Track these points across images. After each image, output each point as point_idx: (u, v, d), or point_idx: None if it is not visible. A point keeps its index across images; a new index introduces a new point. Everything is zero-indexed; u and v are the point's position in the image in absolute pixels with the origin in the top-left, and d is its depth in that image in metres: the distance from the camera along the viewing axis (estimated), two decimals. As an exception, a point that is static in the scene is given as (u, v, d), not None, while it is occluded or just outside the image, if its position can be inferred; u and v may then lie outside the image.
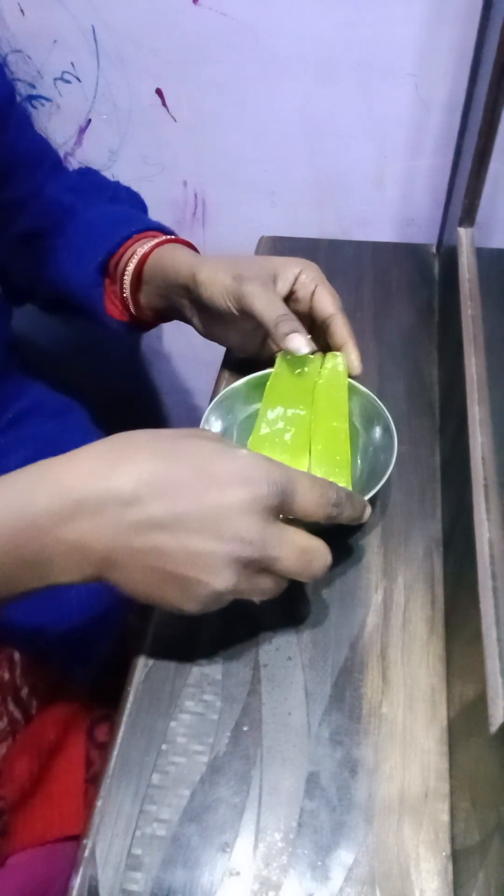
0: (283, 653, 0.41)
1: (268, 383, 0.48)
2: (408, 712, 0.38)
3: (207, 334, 0.56)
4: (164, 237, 0.58)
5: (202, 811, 0.35)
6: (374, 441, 0.47)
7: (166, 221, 0.77)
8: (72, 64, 0.67)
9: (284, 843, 0.34)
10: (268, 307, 0.47)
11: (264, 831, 0.34)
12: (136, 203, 0.72)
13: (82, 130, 0.72)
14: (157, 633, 0.42)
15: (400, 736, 0.37)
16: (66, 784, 0.49)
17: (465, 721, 0.34)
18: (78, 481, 0.32)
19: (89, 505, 0.32)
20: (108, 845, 0.34)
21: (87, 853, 0.34)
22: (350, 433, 0.47)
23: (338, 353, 0.49)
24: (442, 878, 0.33)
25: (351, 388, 0.48)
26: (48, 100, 0.70)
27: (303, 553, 0.35)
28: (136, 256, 0.56)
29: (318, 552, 0.35)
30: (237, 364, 0.57)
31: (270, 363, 0.50)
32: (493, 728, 0.29)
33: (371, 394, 0.48)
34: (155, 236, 0.58)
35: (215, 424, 0.48)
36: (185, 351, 0.92)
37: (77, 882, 0.33)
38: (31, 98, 0.71)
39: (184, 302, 0.55)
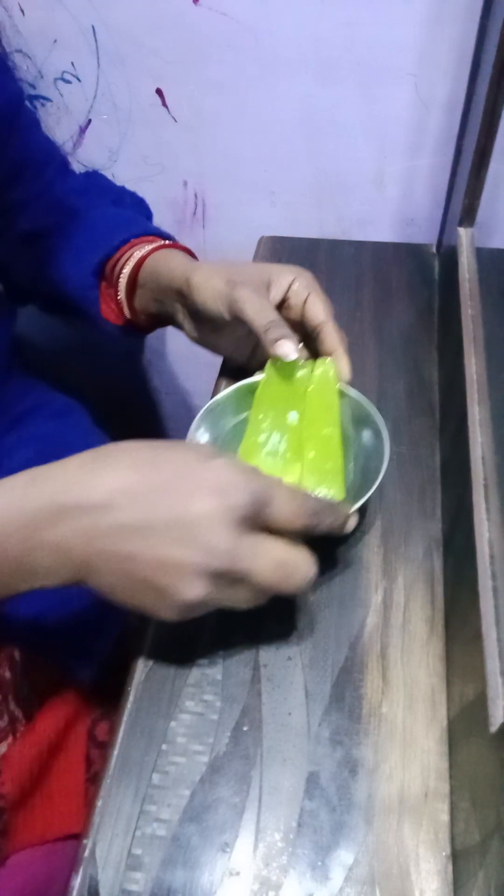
0: (283, 653, 0.41)
1: (257, 390, 0.48)
2: (408, 712, 0.38)
3: (200, 340, 0.55)
4: (162, 242, 0.58)
5: (202, 811, 0.35)
6: (366, 446, 0.46)
7: (166, 221, 0.78)
8: (72, 64, 0.67)
9: (284, 843, 0.34)
10: (259, 313, 0.46)
11: (264, 831, 0.34)
12: (140, 208, 0.72)
13: (82, 130, 0.72)
14: (157, 633, 0.42)
15: (400, 736, 0.37)
16: (66, 783, 0.49)
17: (465, 721, 0.34)
18: (62, 487, 0.33)
19: (70, 510, 0.33)
20: (108, 845, 0.34)
21: (87, 853, 0.34)
22: (343, 439, 0.46)
23: (327, 359, 0.48)
24: (442, 878, 0.33)
25: (342, 393, 0.47)
26: (48, 100, 0.70)
27: (280, 566, 0.34)
28: (132, 260, 0.56)
29: (297, 565, 0.35)
30: (237, 365, 0.57)
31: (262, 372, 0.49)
32: (493, 728, 0.29)
33: (363, 397, 0.47)
34: (154, 241, 0.58)
35: (203, 436, 0.47)
36: (185, 351, 0.92)
37: (77, 882, 0.33)
38: (31, 98, 0.71)
39: (177, 306, 0.54)
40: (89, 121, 0.71)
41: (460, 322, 0.49)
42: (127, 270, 0.56)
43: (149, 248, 0.56)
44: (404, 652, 0.41)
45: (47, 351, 0.94)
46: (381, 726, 0.38)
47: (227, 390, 0.49)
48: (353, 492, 0.45)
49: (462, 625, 0.38)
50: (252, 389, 0.48)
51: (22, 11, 0.64)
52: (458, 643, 0.38)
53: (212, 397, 0.56)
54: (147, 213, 0.72)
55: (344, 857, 0.34)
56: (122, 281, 0.57)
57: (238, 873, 0.33)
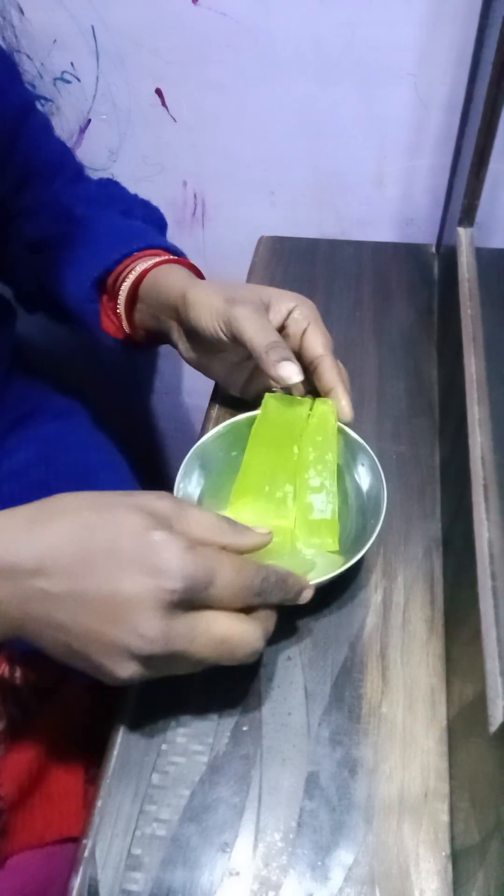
0: (283, 653, 0.41)
1: (253, 427, 0.45)
2: (407, 712, 0.38)
3: (193, 362, 0.53)
4: (166, 256, 0.56)
5: (202, 811, 0.35)
6: (363, 493, 0.44)
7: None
8: (71, 64, 0.67)
9: (284, 843, 0.34)
10: (259, 333, 0.44)
11: (264, 831, 0.34)
12: (153, 219, 0.69)
13: (82, 130, 0.72)
14: (156, 633, 0.42)
15: (400, 736, 0.37)
16: (65, 784, 0.49)
17: (465, 721, 0.34)
18: (0, 544, 0.32)
19: (3, 570, 0.32)
20: (108, 845, 0.34)
21: (86, 853, 0.34)
22: (339, 481, 0.44)
23: (328, 400, 0.45)
24: (442, 878, 0.33)
25: (342, 434, 0.45)
26: (48, 100, 0.70)
27: (221, 643, 0.33)
28: (134, 273, 0.55)
29: (241, 640, 0.33)
30: (230, 395, 0.55)
31: (255, 404, 0.47)
32: (493, 728, 0.29)
33: (361, 441, 0.44)
34: (159, 254, 0.56)
35: (191, 479, 0.44)
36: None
37: (77, 882, 0.33)
38: (30, 98, 0.71)
39: (172, 324, 0.52)
40: (89, 121, 0.71)
41: (460, 322, 0.49)
42: (127, 284, 0.55)
43: (152, 262, 0.55)
44: (404, 652, 0.41)
45: (48, 352, 0.94)
46: (381, 726, 0.38)
47: (221, 425, 0.46)
48: (354, 534, 0.43)
49: (462, 625, 0.38)
50: (248, 424, 0.46)
51: (21, 11, 0.64)
52: (458, 643, 0.38)
53: (211, 399, 0.56)
54: (160, 224, 0.70)
55: (344, 857, 0.33)
56: (122, 295, 0.55)
57: (238, 873, 0.33)
